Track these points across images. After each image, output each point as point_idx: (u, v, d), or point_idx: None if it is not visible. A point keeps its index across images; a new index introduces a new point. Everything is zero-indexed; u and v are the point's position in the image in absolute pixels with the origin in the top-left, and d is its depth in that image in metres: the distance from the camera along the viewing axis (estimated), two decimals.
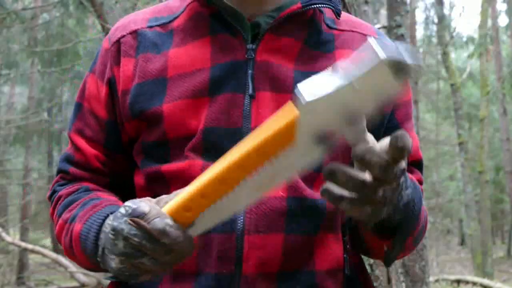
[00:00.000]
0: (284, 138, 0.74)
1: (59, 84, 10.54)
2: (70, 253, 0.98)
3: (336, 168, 0.74)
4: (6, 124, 10.28)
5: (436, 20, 13.50)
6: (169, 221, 0.77)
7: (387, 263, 0.95)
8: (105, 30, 5.94)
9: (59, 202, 1.02)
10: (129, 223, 0.77)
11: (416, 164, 1.06)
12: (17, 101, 14.63)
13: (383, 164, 0.73)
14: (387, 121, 1.02)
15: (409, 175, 0.90)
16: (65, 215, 0.98)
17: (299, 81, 0.95)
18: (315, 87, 0.72)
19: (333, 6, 0.99)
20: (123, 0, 6.63)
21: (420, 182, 1.04)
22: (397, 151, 0.72)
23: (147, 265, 0.78)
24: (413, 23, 12.02)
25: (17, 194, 15.59)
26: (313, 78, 0.73)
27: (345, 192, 0.75)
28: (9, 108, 13.43)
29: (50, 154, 14.71)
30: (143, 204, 0.79)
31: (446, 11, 15.44)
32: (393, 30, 3.74)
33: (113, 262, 0.80)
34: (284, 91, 0.95)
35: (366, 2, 2.76)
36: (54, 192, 1.05)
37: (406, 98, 1.06)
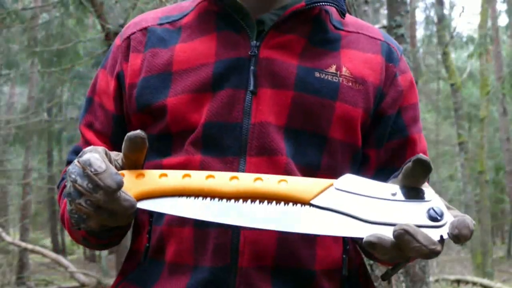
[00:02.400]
0: (304, 192, 0.78)
1: (59, 84, 10.51)
2: (72, 230, 1.00)
3: (378, 241, 0.73)
4: (6, 124, 10.27)
5: (436, 20, 13.49)
6: (97, 155, 0.76)
7: (384, 279, 0.96)
8: (105, 30, 5.94)
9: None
10: (75, 164, 0.77)
11: None
12: (17, 101, 14.63)
13: (424, 253, 0.73)
14: (392, 122, 1.02)
15: None
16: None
17: (303, 77, 0.97)
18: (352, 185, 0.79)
19: (337, 5, 0.99)
20: (123, 0, 6.63)
21: None
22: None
23: (84, 206, 0.76)
24: (413, 23, 12.03)
25: (17, 194, 15.57)
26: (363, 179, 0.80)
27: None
28: (9, 108, 13.42)
29: (50, 154, 14.70)
30: (93, 148, 0.80)
31: (446, 11, 15.45)
32: (393, 30, 3.74)
33: (67, 206, 0.80)
34: (285, 87, 0.95)
35: (366, 2, 2.76)
36: (62, 180, 1.08)
37: (414, 100, 1.05)
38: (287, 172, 0.92)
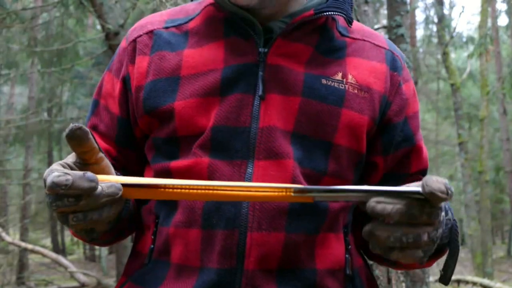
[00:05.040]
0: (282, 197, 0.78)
1: (59, 84, 10.53)
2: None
3: (373, 228, 0.75)
4: (6, 124, 10.26)
5: (436, 20, 13.48)
6: (55, 173, 0.73)
7: (444, 283, 0.92)
8: (105, 30, 5.94)
9: None
10: (47, 194, 0.77)
11: (423, 173, 1.08)
12: (17, 101, 14.63)
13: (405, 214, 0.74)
14: (400, 130, 1.03)
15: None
16: None
17: (310, 83, 0.97)
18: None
19: (345, 14, 0.99)
20: (123, 0, 6.63)
21: None
22: (434, 199, 0.72)
23: (75, 222, 0.76)
24: (413, 23, 12.02)
25: (17, 194, 15.57)
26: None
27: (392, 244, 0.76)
28: (9, 108, 13.42)
29: (50, 154, 14.72)
30: (49, 170, 0.78)
31: (446, 11, 15.45)
32: (393, 30, 3.74)
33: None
34: (293, 93, 0.96)
35: (366, 2, 2.76)
36: None
37: (417, 109, 1.07)
38: (294, 175, 0.93)
